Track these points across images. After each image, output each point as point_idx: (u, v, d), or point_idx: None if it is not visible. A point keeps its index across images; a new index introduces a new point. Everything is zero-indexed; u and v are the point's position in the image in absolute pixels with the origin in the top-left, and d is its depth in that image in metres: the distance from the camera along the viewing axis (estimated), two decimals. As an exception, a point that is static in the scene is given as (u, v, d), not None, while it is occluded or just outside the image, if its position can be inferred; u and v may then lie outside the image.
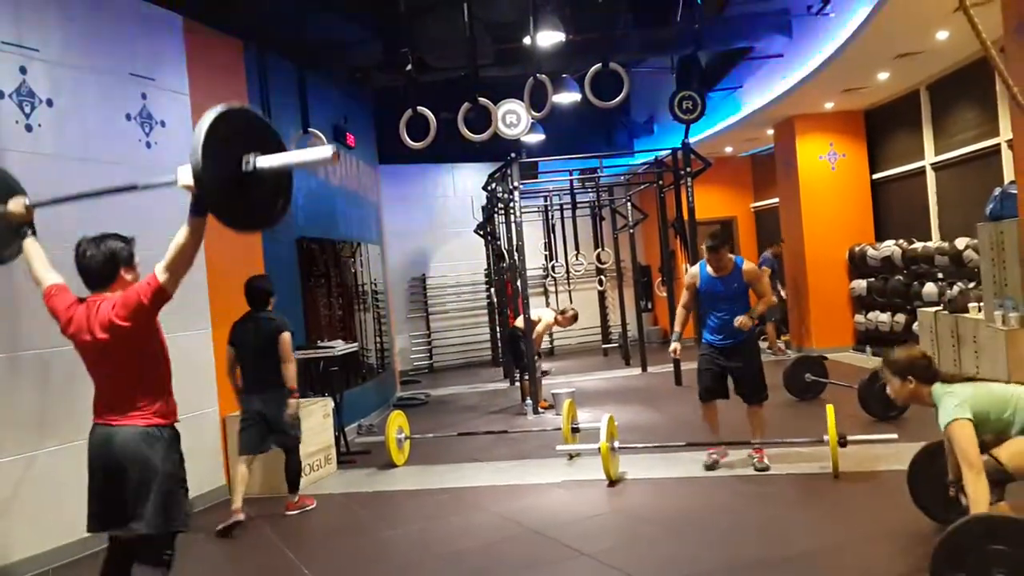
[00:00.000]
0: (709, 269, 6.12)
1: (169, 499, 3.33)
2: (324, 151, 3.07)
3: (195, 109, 6.73)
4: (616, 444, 6.17)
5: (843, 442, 5.70)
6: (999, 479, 3.58)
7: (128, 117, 6.13)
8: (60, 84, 5.56)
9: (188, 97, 6.70)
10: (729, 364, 6.14)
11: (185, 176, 2.97)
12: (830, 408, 5.83)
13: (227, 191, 2.98)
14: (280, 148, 3.16)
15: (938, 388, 3.79)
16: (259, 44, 7.59)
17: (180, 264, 3.18)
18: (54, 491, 5.22)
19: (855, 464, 5.84)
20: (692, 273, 6.35)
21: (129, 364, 3.35)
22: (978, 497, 3.43)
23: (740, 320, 5.89)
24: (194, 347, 6.46)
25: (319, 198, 9.04)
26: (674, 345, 6.40)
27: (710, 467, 6.17)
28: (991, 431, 3.68)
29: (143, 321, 3.28)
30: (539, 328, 9.65)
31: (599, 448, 6.02)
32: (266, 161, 3.04)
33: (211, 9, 7.01)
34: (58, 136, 5.53)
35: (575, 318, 10.08)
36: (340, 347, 8.05)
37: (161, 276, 3.20)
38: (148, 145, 6.27)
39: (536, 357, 9.49)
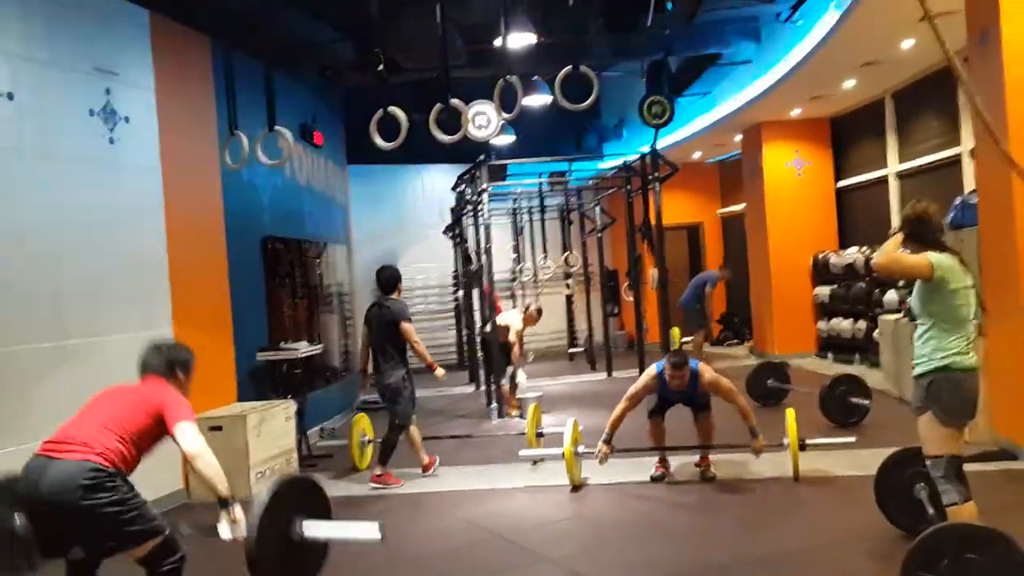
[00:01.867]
0: (668, 379, 5.84)
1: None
2: (372, 531, 3.19)
3: (160, 105, 6.63)
4: (580, 449, 6.16)
5: (802, 445, 5.77)
6: (957, 467, 3.68)
7: (91, 112, 6.01)
8: (20, 77, 5.44)
9: (153, 93, 6.59)
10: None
11: (225, 531, 3.37)
12: (790, 412, 5.91)
13: (277, 556, 3.29)
14: (328, 513, 3.45)
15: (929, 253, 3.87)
16: (226, 40, 7.50)
17: (197, 464, 3.39)
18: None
19: (814, 468, 5.90)
20: (649, 381, 5.97)
21: (125, 410, 3.48)
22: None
23: (755, 446, 5.77)
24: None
25: (285, 197, 8.94)
26: (603, 448, 5.92)
27: (657, 479, 6.16)
28: (940, 306, 3.82)
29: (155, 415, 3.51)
30: (512, 337, 9.48)
31: (563, 453, 6.02)
32: (313, 530, 3.29)
33: (178, 4, 6.91)
34: (18, 131, 5.41)
35: (539, 312, 9.98)
36: (304, 349, 7.97)
37: (176, 431, 3.41)
38: (111, 141, 6.15)
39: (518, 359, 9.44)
